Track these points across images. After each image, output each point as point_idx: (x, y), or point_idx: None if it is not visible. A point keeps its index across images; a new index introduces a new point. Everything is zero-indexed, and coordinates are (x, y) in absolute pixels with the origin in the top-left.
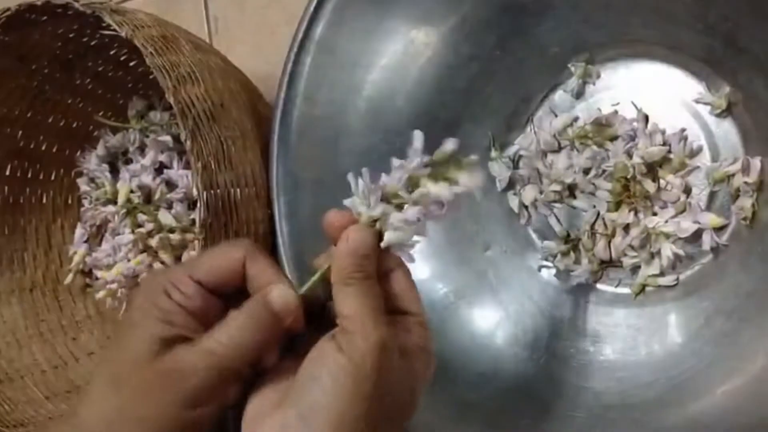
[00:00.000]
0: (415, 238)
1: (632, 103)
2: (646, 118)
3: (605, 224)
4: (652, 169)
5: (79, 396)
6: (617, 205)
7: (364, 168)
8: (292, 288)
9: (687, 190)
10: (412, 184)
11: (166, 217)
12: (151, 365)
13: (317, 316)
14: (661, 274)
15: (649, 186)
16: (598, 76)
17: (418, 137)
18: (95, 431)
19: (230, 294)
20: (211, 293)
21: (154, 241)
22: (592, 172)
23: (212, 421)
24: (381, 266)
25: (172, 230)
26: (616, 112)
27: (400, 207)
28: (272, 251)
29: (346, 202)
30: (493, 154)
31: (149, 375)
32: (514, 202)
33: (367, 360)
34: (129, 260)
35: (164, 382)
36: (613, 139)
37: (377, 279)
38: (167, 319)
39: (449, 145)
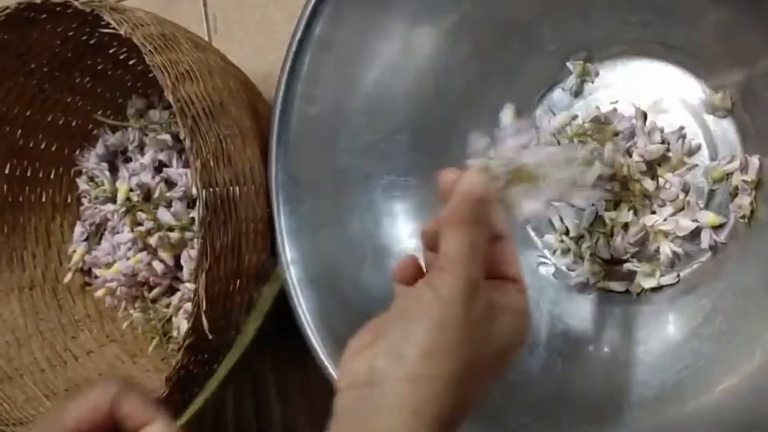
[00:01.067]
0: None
1: (632, 103)
2: (645, 116)
3: (604, 223)
4: (651, 167)
5: None
6: (616, 204)
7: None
8: (169, 423)
9: (685, 189)
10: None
11: (165, 216)
12: None
13: None
14: (661, 272)
15: (648, 184)
16: (597, 75)
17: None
18: None
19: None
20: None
21: (153, 240)
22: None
23: None
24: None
25: (171, 229)
26: (615, 109)
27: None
28: (271, 249)
29: (472, 161)
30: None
31: None
32: None
33: (457, 297)
34: (128, 259)
35: None
36: (616, 134)
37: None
38: None
39: None
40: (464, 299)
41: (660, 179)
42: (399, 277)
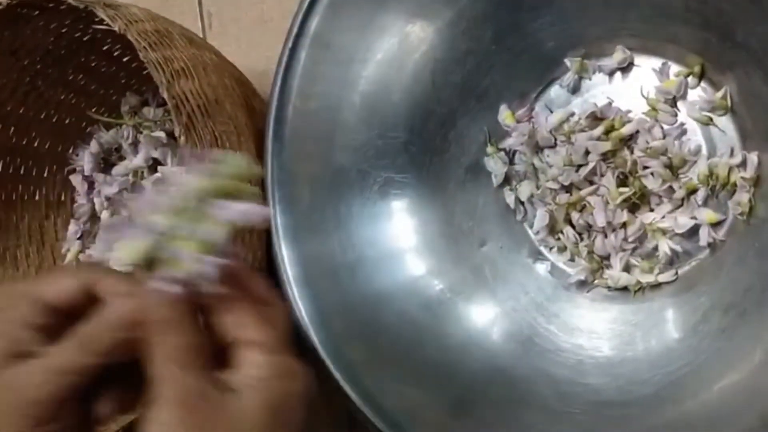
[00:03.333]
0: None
1: (631, 100)
2: (644, 113)
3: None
4: (651, 164)
5: None
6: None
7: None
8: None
9: (684, 186)
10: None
11: None
12: None
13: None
14: (659, 270)
15: (648, 181)
16: (595, 72)
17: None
18: None
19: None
20: (59, 312)
21: None
22: (589, 167)
23: None
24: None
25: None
26: (610, 104)
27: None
28: (267, 247)
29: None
30: (489, 149)
31: None
32: (510, 198)
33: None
34: None
35: (5, 399)
36: (622, 139)
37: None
38: (7, 334)
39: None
40: (183, 419)
41: (660, 176)
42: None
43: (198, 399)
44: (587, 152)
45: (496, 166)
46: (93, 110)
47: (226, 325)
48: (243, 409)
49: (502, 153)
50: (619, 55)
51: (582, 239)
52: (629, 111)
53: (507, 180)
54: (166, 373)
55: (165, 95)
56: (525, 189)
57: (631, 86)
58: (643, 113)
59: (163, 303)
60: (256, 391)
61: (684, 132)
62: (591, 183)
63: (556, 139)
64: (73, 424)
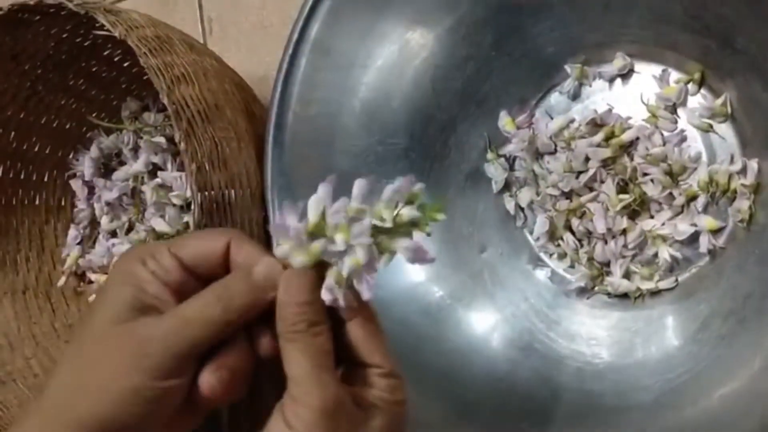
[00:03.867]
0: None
1: (631, 107)
2: (644, 120)
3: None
4: (651, 171)
5: None
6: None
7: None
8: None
9: (684, 193)
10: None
11: (160, 225)
12: (115, 331)
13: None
14: (659, 277)
15: (648, 188)
16: (595, 78)
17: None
18: (56, 402)
19: (211, 279)
20: (191, 274)
21: None
22: (589, 173)
23: (180, 397)
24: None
25: (169, 238)
26: (610, 110)
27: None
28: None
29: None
30: (489, 155)
31: (112, 341)
32: (510, 204)
33: (317, 427)
34: None
35: (127, 349)
36: (623, 146)
37: (331, 327)
38: (139, 286)
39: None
40: (326, 425)
41: (660, 183)
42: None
43: (340, 409)
44: (587, 159)
45: (496, 172)
46: (93, 115)
47: (357, 343)
48: (374, 428)
49: (502, 159)
50: (619, 61)
51: (582, 246)
52: (629, 117)
53: (507, 186)
54: (314, 376)
55: (165, 101)
56: (525, 195)
57: (631, 93)
58: (643, 120)
59: (314, 302)
60: (387, 414)
61: (684, 139)
62: (591, 189)
63: (556, 146)
64: (188, 384)
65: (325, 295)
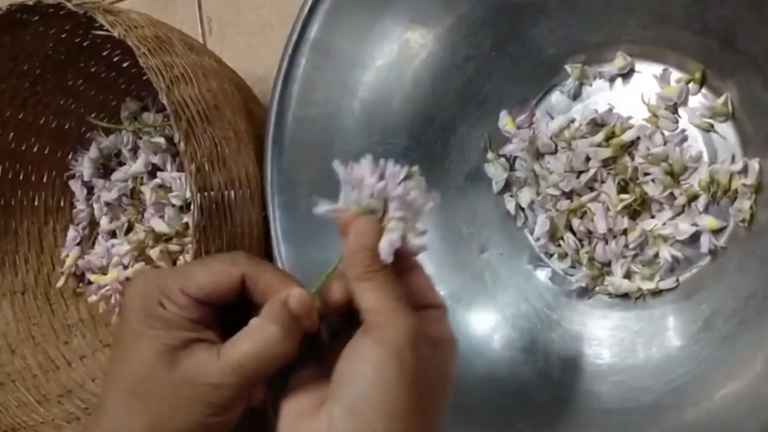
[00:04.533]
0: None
1: (632, 107)
2: (645, 120)
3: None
4: (652, 170)
5: (94, 416)
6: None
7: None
8: (306, 290)
9: (685, 192)
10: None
11: (159, 225)
12: (172, 374)
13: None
14: (660, 277)
15: (649, 188)
16: (595, 78)
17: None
18: None
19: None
20: (205, 304)
21: (154, 253)
22: (590, 173)
23: (238, 422)
24: (394, 265)
25: (169, 239)
26: (610, 110)
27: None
28: (267, 253)
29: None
30: (490, 155)
31: (173, 385)
32: (510, 204)
33: (405, 349)
34: (125, 267)
35: (191, 392)
36: (623, 146)
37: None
38: (171, 327)
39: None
40: (412, 347)
41: (661, 183)
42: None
43: (422, 334)
44: (588, 159)
45: (496, 172)
46: (92, 116)
47: (418, 286)
48: (442, 364)
49: (503, 159)
50: (619, 61)
51: (583, 246)
52: (630, 117)
53: (507, 186)
54: (397, 306)
55: (164, 101)
56: (525, 195)
57: (632, 92)
58: (644, 119)
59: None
60: (450, 351)
61: (685, 138)
62: (592, 189)
63: (556, 146)
64: (251, 405)
65: (385, 246)
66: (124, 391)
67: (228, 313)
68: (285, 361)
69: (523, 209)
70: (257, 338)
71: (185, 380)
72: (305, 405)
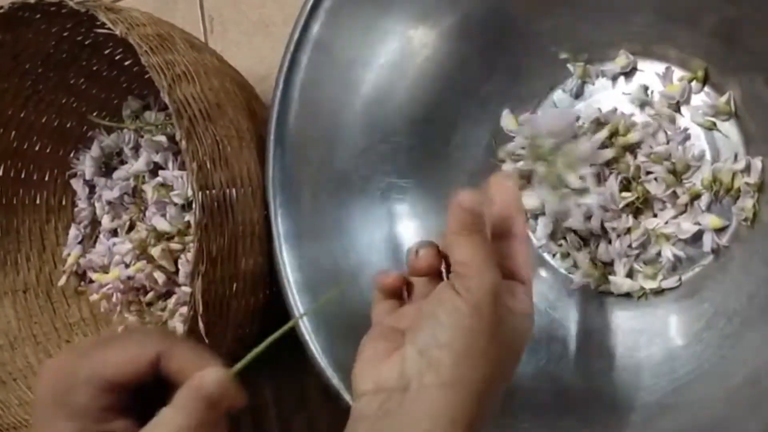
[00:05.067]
0: None
1: (634, 105)
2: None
3: (605, 229)
4: (655, 169)
5: None
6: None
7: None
8: (225, 370)
9: (687, 191)
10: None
11: (160, 223)
12: None
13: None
14: (663, 276)
15: (652, 187)
16: (598, 76)
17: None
18: None
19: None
20: (117, 389)
21: (155, 252)
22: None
23: None
24: (503, 226)
25: (171, 237)
26: (615, 109)
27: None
28: (268, 253)
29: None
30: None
31: None
32: None
33: (483, 300)
34: (126, 265)
35: None
36: (625, 146)
37: (499, 237)
38: (78, 417)
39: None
40: (491, 302)
41: (663, 181)
42: (382, 287)
43: (501, 294)
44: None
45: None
46: (94, 114)
47: (516, 257)
48: (515, 332)
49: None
50: (622, 59)
51: (585, 245)
52: (632, 114)
53: None
54: (487, 262)
55: (166, 99)
56: (527, 194)
57: (634, 91)
58: (649, 116)
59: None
60: (524, 324)
61: (688, 137)
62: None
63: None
64: None
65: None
66: None
67: (148, 392)
68: None
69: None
70: (168, 429)
71: None
72: (383, 348)
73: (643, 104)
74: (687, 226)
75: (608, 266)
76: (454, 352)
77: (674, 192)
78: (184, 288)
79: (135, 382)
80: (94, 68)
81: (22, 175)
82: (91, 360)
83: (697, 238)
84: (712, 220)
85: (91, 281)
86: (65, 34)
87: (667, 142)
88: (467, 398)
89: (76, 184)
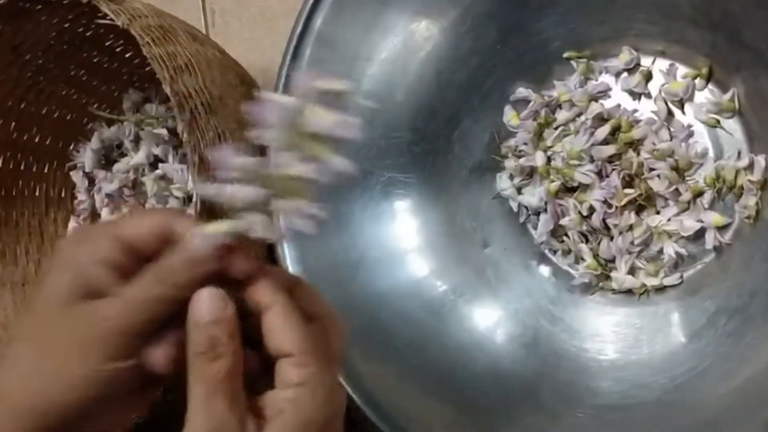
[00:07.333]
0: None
1: (638, 101)
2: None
3: (607, 226)
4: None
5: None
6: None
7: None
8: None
9: (690, 188)
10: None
11: None
12: (61, 316)
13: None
14: (664, 273)
15: (655, 183)
16: (601, 73)
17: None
18: (10, 392)
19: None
20: (135, 254)
21: None
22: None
23: (133, 378)
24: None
25: None
26: (618, 105)
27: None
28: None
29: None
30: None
31: (59, 326)
32: (513, 201)
33: None
34: None
35: (76, 334)
36: (629, 143)
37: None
38: (78, 270)
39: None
40: None
41: (666, 178)
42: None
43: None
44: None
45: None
46: (95, 106)
47: (269, 334)
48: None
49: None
50: (625, 56)
51: (587, 242)
52: (635, 110)
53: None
54: (202, 403)
55: (168, 91)
56: (529, 191)
57: (637, 87)
58: (652, 112)
59: (219, 321)
60: (291, 416)
61: (691, 134)
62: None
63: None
64: (141, 365)
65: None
66: (23, 329)
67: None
68: (176, 307)
69: (526, 206)
70: (148, 277)
71: (75, 321)
72: None
73: (647, 101)
74: (689, 224)
75: (610, 263)
76: None
77: (677, 189)
78: None
79: (150, 246)
80: (95, 60)
81: (22, 167)
82: (109, 223)
83: (699, 235)
84: (714, 218)
85: None
86: (66, 25)
87: (671, 139)
88: None
89: (76, 176)
